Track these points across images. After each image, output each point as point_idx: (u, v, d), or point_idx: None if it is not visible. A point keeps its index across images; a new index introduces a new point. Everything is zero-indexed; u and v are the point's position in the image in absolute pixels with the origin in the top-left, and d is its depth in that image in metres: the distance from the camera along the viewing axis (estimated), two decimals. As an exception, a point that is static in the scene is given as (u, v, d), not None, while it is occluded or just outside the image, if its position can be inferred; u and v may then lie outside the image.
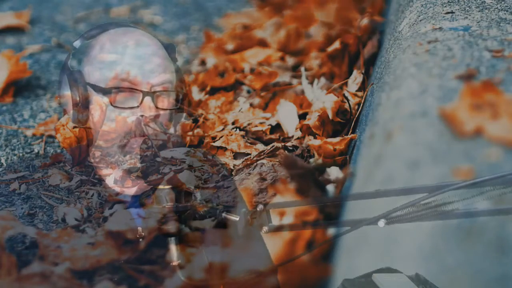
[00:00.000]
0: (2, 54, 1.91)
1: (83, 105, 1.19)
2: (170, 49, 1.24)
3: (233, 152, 1.50)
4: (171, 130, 1.22)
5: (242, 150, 1.51)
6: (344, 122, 1.56)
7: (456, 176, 0.86)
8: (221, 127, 1.58)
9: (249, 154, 1.50)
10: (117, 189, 1.21)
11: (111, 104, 1.15)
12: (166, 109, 1.17)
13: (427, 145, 0.93)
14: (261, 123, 1.63)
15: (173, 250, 1.06)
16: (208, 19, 2.52)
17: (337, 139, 1.42)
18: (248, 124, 1.62)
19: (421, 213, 0.82)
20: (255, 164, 1.41)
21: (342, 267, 0.91)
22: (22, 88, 1.91)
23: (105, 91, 1.16)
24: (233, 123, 1.63)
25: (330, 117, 1.50)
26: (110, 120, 1.18)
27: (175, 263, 1.06)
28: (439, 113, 0.98)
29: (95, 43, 1.21)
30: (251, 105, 1.71)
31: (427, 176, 0.87)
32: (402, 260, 0.78)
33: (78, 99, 1.18)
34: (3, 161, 1.55)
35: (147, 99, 1.14)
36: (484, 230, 0.78)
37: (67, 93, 1.20)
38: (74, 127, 1.21)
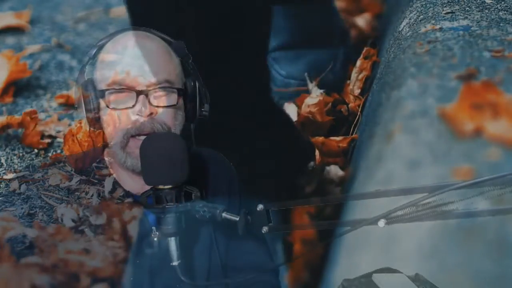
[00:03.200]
0: (2, 54, 1.90)
1: (95, 112, 1.20)
2: (176, 46, 1.23)
3: None
4: (175, 129, 1.21)
5: None
6: (341, 118, 1.57)
7: (456, 176, 0.86)
8: None
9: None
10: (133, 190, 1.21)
11: (107, 106, 1.16)
12: (162, 107, 1.16)
13: (427, 145, 0.93)
14: None
15: (173, 250, 1.06)
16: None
17: (340, 137, 1.42)
18: None
19: (421, 213, 0.82)
20: None
21: (342, 267, 0.91)
22: (22, 88, 1.91)
23: (101, 94, 1.17)
24: None
25: (319, 118, 1.50)
26: (111, 122, 1.18)
27: (175, 263, 1.06)
28: (439, 113, 0.98)
29: (101, 51, 1.22)
30: None
31: (427, 176, 0.87)
32: (402, 260, 0.78)
33: (89, 107, 1.20)
34: (3, 161, 1.55)
35: (141, 98, 1.14)
36: (484, 230, 0.78)
37: (81, 100, 1.22)
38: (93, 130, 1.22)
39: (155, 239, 1.11)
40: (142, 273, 1.13)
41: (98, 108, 1.19)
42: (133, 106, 1.14)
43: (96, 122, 1.20)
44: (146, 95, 1.14)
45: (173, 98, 1.17)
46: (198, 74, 1.25)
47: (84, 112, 1.21)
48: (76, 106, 1.24)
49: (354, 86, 1.62)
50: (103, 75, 1.17)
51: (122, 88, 1.14)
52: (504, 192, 0.80)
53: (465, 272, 0.73)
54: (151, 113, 1.15)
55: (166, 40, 1.24)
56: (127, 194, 1.19)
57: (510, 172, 0.80)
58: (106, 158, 1.25)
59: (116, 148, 1.18)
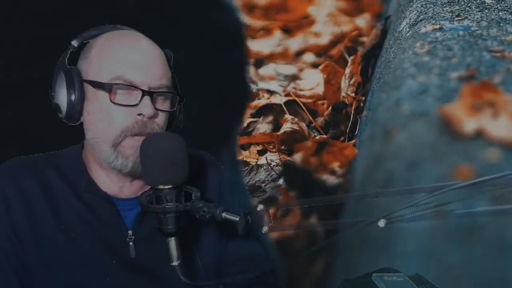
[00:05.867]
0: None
1: (78, 102, 1.18)
2: (167, 55, 1.24)
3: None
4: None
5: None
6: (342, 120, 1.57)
7: (456, 176, 0.86)
8: None
9: (244, 160, 1.50)
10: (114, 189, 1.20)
11: (111, 101, 1.14)
12: (164, 110, 1.17)
13: (427, 145, 0.93)
14: (253, 121, 1.64)
15: (173, 250, 1.06)
16: (208, 19, 2.52)
17: (345, 144, 1.41)
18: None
19: (421, 213, 0.82)
20: (249, 171, 1.40)
21: (342, 267, 0.91)
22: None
23: (105, 87, 1.15)
24: None
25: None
26: (107, 117, 1.17)
27: (175, 263, 1.05)
28: (439, 113, 0.98)
29: (95, 43, 1.21)
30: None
31: (427, 176, 0.87)
32: (402, 260, 0.78)
33: (73, 96, 1.17)
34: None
35: (146, 98, 1.14)
36: (484, 230, 0.78)
37: (62, 90, 1.20)
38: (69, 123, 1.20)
39: (131, 243, 1.10)
40: (118, 275, 1.11)
41: (82, 100, 1.17)
42: (137, 104, 1.14)
43: (75, 114, 1.18)
44: (151, 96, 1.14)
45: (172, 103, 1.18)
46: (177, 85, 1.26)
47: (66, 102, 1.17)
48: (52, 94, 1.21)
49: (347, 91, 1.63)
50: (103, 69, 1.16)
51: (128, 85, 1.14)
52: (504, 192, 0.80)
53: (465, 272, 0.73)
54: (154, 115, 1.14)
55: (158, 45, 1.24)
56: (103, 195, 1.17)
57: (510, 172, 0.80)
58: (86, 159, 1.22)
59: (104, 146, 1.15)
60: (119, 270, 1.11)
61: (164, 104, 1.17)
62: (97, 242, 1.12)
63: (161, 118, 1.16)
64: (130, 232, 1.12)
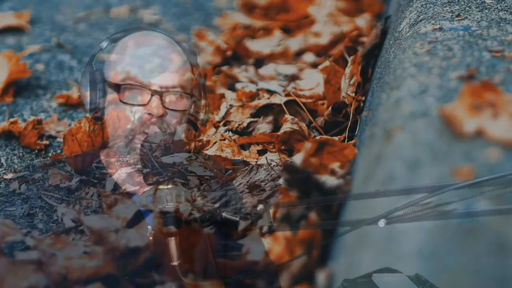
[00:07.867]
0: (2, 54, 1.90)
1: (100, 102, 1.21)
2: (191, 55, 1.25)
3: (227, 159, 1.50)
4: (179, 131, 1.22)
5: (237, 157, 1.51)
6: (341, 121, 1.57)
7: (456, 176, 0.86)
8: (213, 130, 1.59)
9: (244, 160, 1.49)
10: (132, 187, 1.21)
11: (120, 100, 1.16)
12: (174, 110, 1.17)
13: (427, 145, 0.93)
14: (253, 122, 1.64)
15: (173, 250, 1.06)
16: (208, 19, 2.53)
17: (345, 144, 1.41)
18: (239, 125, 1.62)
19: (421, 213, 0.82)
20: (249, 171, 1.39)
21: (342, 267, 0.91)
22: (22, 88, 1.91)
23: (114, 87, 1.17)
24: (224, 125, 1.63)
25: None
26: (119, 115, 1.19)
27: (175, 263, 1.06)
28: (439, 113, 0.98)
29: (117, 45, 1.23)
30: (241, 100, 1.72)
31: (427, 176, 0.87)
32: (402, 260, 0.78)
33: (98, 99, 1.20)
34: (3, 161, 1.55)
35: (155, 99, 1.15)
36: (484, 230, 0.78)
37: (86, 90, 1.23)
38: (93, 122, 1.21)
39: (151, 238, 1.12)
40: (139, 273, 1.13)
41: (104, 100, 1.19)
42: (146, 104, 1.15)
43: (99, 113, 1.20)
44: (161, 96, 1.14)
45: (185, 103, 1.19)
46: (205, 82, 1.27)
47: (88, 103, 1.20)
48: (79, 94, 1.25)
49: (347, 91, 1.63)
50: (117, 70, 1.18)
51: (137, 85, 1.15)
52: (504, 192, 0.80)
53: (465, 272, 0.73)
54: (162, 115, 1.15)
55: (181, 45, 1.25)
56: (127, 193, 1.19)
57: (510, 172, 0.80)
58: (103, 158, 1.25)
59: (118, 142, 1.18)
60: (139, 268, 1.12)
61: (177, 103, 1.17)
62: (117, 241, 1.13)
63: (172, 117, 1.17)
64: (149, 227, 1.13)
